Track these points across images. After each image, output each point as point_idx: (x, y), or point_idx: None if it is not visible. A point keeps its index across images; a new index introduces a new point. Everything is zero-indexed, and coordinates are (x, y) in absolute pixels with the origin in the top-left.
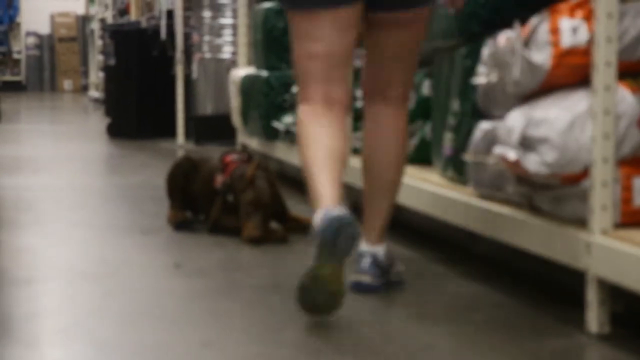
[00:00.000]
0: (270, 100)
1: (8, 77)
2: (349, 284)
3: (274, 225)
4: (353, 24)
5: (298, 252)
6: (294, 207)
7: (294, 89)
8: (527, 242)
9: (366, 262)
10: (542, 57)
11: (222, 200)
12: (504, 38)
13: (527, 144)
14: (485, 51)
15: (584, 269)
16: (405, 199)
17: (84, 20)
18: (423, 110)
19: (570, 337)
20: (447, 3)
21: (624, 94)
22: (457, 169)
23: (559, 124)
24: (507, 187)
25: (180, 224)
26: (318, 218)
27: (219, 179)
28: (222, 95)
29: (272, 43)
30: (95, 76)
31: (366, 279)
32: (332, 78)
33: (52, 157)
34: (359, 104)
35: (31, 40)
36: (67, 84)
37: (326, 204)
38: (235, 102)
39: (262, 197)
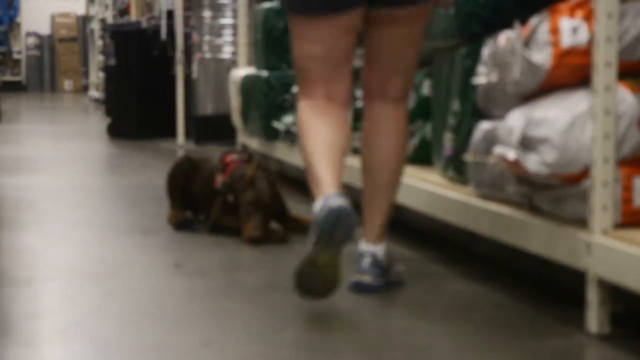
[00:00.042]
0: (271, 100)
1: (8, 77)
2: (349, 284)
3: (274, 225)
4: (352, 28)
5: (298, 252)
6: (294, 207)
7: (294, 89)
8: (528, 242)
9: (366, 262)
10: (542, 57)
11: (222, 200)
12: (504, 38)
13: (527, 144)
14: (486, 51)
15: (584, 269)
16: (405, 199)
17: (84, 20)
18: (423, 110)
19: (570, 337)
20: (436, 2)
21: (624, 94)
22: (458, 169)
23: (559, 124)
24: (507, 187)
25: (180, 224)
26: (318, 205)
27: (219, 179)
28: (222, 95)
29: (272, 43)
30: (96, 76)
31: (366, 279)
32: (332, 76)
33: (52, 157)
34: (359, 104)
35: (31, 40)
36: (67, 84)
37: (326, 190)
38: (235, 102)
39: (262, 197)
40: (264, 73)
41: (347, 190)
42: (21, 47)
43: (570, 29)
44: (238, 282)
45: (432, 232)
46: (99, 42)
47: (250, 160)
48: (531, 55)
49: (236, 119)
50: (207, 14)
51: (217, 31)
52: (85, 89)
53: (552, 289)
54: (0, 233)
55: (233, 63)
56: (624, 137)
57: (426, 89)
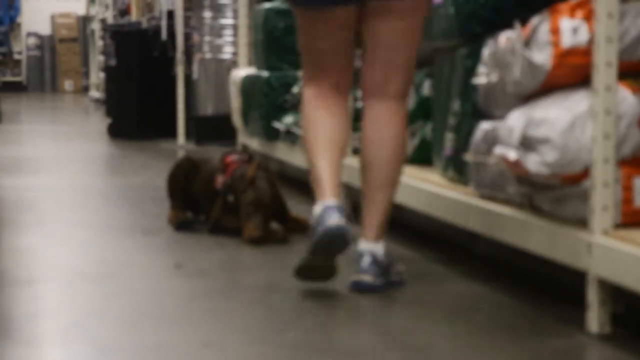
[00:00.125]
0: (271, 101)
1: (9, 78)
2: (349, 284)
3: (275, 225)
4: (348, 23)
5: (298, 252)
6: (295, 207)
7: (295, 90)
8: (528, 242)
9: (366, 261)
10: (542, 57)
11: (223, 200)
12: (505, 38)
13: (527, 144)
14: (486, 51)
15: (584, 269)
16: (405, 199)
17: (85, 20)
18: (423, 111)
19: (570, 337)
20: None
21: (625, 94)
22: (458, 169)
23: (560, 124)
24: (507, 187)
25: (180, 225)
26: (318, 210)
27: (220, 180)
28: (223, 95)
29: (273, 43)
30: (96, 77)
31: (366, 278)
32: (333, 65)
33: (52, 157)
34: (359, 104)
35: (32, 40)
36: (67, 84)
37: (327, 197)
38: (235, 103)
39: (262, 197)
40: (265, 73)
41: (347, 190)
42: (22, 47)
43: (571, 29)
44: (238, 282)
45: (432, 232)
46: (100, 43)
47: (250, 161)
48: (531, 55)
49: (236, 120)
50: (207, 14)
51: (217, 31)
52: (85, 89)
53: (553, 289)
54: (0, 233)
55: (233, 63)
56: (625, 137)
57: (426, 89)
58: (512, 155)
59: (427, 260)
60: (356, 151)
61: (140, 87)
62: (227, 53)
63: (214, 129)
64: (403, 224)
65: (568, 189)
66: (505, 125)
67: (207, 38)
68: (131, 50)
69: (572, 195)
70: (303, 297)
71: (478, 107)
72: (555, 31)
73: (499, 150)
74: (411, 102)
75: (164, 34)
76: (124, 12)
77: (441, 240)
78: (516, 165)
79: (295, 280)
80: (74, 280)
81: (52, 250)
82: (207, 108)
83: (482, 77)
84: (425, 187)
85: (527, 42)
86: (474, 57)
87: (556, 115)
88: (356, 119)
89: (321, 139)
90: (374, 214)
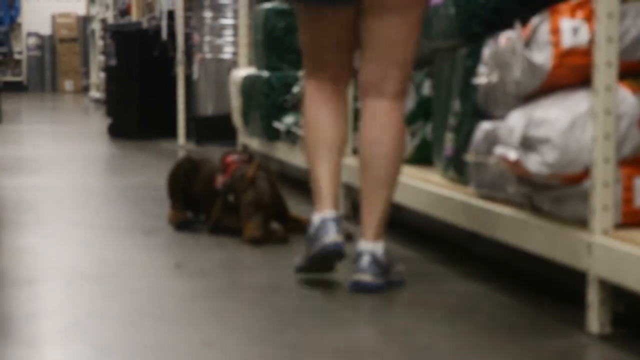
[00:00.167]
0: (271, 101)
1: (9, 78)
2: (349, 284)
3: (275, 225)
4: (350, 20)
5: (299, 252)
6: (295, 207)
7: (295, 90)
8: (528, 242)
9: (365, 260)
10: (542, 57)
11: (223, 200)
12: (505, 38)
13: (527, 144)
14: (486, 51)
15: (585, 269)
16: (405, 199)
17: (85, 20)
18: (424, 111)
19: (571, 338)
20: None
21: (625, 94)
22: (458, 169)
23: (560, 124)
24: (507, 188)
25: (181, 225)
26: (316, 220)
27: (220, 180)
28: (223, 95)
29: (273, 43)
30: (96, 77)
31: (366, 277)
32: (332, 60)
33: (53, 157)
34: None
35: (32, 40)
36: (68, 84)
37: (325, 209)
38: (236, 103)
39: (262, 197)
40: (265, 73)
41: (347, 190)
42: (22, 47)
43: (571, 29)
44: (239, 282)
45: (432, 232)
46: (100, 43)
47: (250, 161)
48: (532, 55)
49: (237, 120)
50: (207, 14)
51: (217, 31)
52: (86, 89)
53: (553, 289)
54: (0, 233)
55: (234, 63)
56: (625, 137)
57: (427, 89)
58: (512, 155)
59: (427, 260)
60: (356, 151)
61: (140, 87)
62: (227, 53)
63: (214, 129)
64: (403, 224)
65: (568, 189)
66: (505, 126)
67: (207, 38)
68: (131, 50)
69: (573, 196)
70: (303, 297)
71: (478, 107)
72: (555, 31)
73: (499, 150)
74: (411, 102)
75: (164, 34)
76: (125, 12)
77: (441, 240)
78: (516, 165)
79: (295, 281)
80: (74, 280)
81: (52, 250)
82: (208, 108)
83: (483, 77)
84: (426, 187)
85: (528, 42)
86: (474, 57)
87: (556, 116)
88: (357, 119)
89: (321, 143)
90: (373, 213)
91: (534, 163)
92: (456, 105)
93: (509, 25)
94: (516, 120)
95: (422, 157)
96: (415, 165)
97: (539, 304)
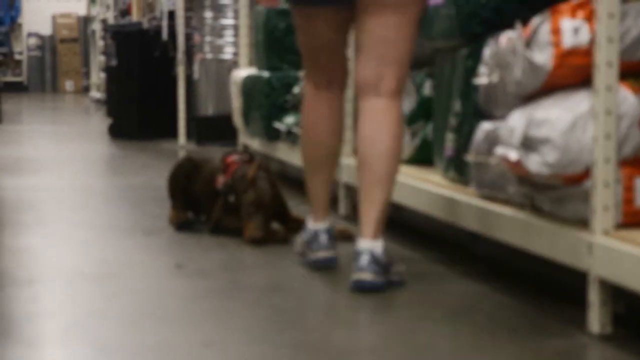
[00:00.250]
0: (272, 101)
1: (9, 78)
2: (349, 283)
3: (275, 225)
4: (345, 21)
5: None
6: (295, 207)
7: (296, 90)
8: (529, 242)
9: (365, 259)
10: (543, 57)
11: (224, 200)
12: (506, 38)
13: (528, 144)
14: (487, 51)
15: (585, 269)
16: (406, 199)
17: (86, 21)
18: (424, 111)
19: (571, 338)
20: None
21: (626, 94)
22: (459, 170)
23: (561, 125)
24: (508, 188)
25: (181, 225)
26: (310, 231)
27: (221, 180)
28: (224, 95)
29: (274, 44)
30: (97, 77)
31: (366, 276)
32: (329, 62)
33: (53, 157)
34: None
35: (33, 41)
36: (68, 84)
37: (319, 219)
38: (236, 103)
39: (263, 197)
40: (265, 74)
41: (347, 189)
42: (22, 47)
43: (572, 30)
44: (239, 282)
45: (432, 232)
46: (100, 43)
47: (251, 161)
48: (532, 55)
49: (237, 120)
50: (208, 14)
51: (218, 32)
52: (86, 89)
53: (553, 289)
54: (1, 233)
55: (234, 64)
56: (625, 138)
57: (427, 89)
58: (513, 155)
59: (427, 260)
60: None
61: (141, 87)
62: (228, 53)
63: (214, 129)
64: (403, 224)
65: (569, 189)
66: (506, 126)
67: (208, 38)
68: (132, 51)
69: (573, 196)
70: (303, 297)
71: (479, 108)
72: (556, 31)
73: (499, 150)
74: (412, 102)
75: (164, 34)
76: (125, 12)
77: (441, 240)
78: (517, 165)
79: (296, 281)
80: (74, 280)
81: (52, 250)
82: (208, 108)
83: (483, 77)
84: (426, 188)
85: (528, 43)
86: (475, 58)
87: (557, 116)
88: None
89: (317, 152)
90: (371, 212)
91: (535, 163)
92: (457, 105)
93: (509, 25)
94: (517, 121)
95: (423, 157)
96: (415, 166)
97: (539, 304)
